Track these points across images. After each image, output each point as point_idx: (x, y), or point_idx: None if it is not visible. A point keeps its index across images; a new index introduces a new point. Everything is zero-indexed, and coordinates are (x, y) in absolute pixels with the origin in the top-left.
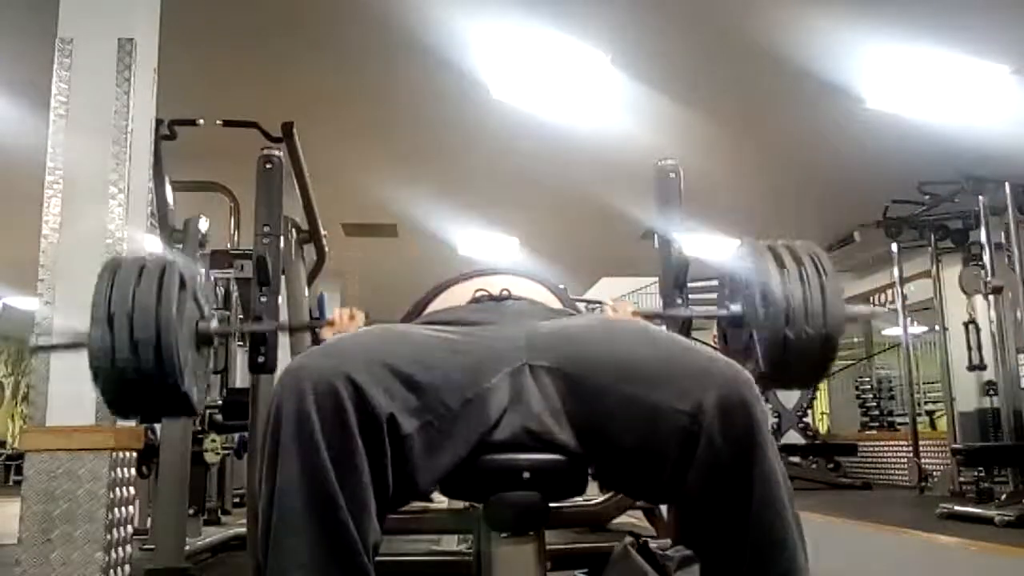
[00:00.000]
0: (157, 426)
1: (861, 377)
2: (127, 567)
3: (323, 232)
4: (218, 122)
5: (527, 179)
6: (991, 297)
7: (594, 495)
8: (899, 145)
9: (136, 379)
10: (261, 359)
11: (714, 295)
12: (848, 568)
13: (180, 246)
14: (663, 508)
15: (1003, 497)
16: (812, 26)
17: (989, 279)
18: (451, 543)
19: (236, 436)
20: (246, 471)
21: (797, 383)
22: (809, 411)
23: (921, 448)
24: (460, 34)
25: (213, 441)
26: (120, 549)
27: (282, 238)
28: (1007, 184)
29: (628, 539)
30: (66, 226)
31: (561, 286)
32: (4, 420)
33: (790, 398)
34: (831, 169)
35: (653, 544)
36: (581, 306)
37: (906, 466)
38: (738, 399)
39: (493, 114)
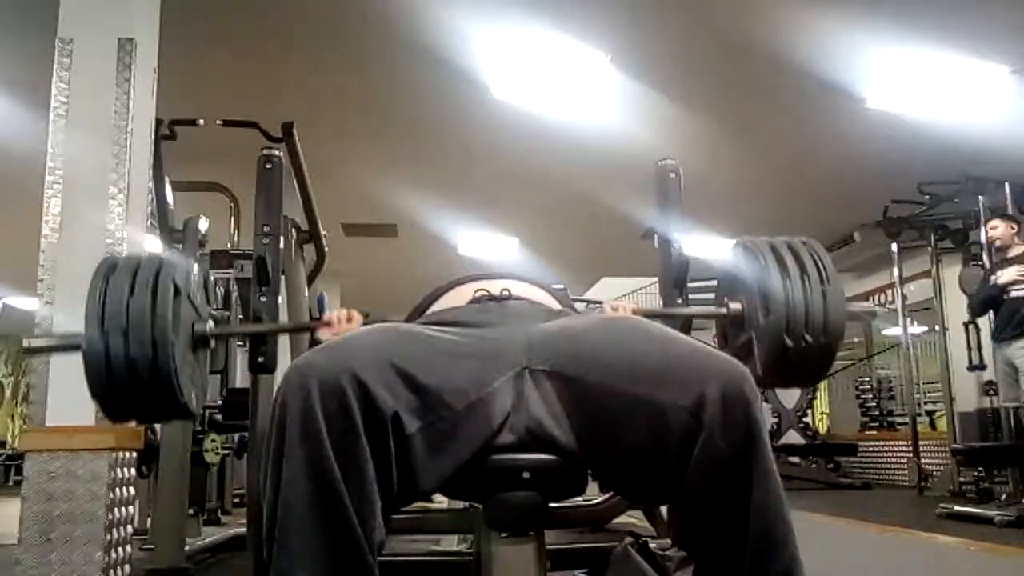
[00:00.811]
0: (157, 426)
1: (861, 377)
2: (127, 567)
3: (323, 232)
4: (218, 122)
5: (527, 179)
6: None
7: (594, 495)
8: (899, 145)
9: (132, 386)
10: (261, 359)
11: (714, 295)
12: (848, 568)
13: (180, 246)
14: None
15: (1003, 497)
16: (812, 26)
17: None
18: (451, 543)
19: (236, 436)
20: (246, 471)
21: (795, 385)
22: (809, 411)
23: (921, 448)
24: (460, 34)
25: (213, 441)
26: (120, 549)
27: (282, 238)
28: (1007, 184)
29: (628, 539)
30: (66, 226)
31: (561, 286)
32: (4, 420)
33: (790, 398)
34: (831, 169)
35: (653, 544)
36: (581, 306)
37: (906, 466)
38: (739, 394)
39: (493, 114)
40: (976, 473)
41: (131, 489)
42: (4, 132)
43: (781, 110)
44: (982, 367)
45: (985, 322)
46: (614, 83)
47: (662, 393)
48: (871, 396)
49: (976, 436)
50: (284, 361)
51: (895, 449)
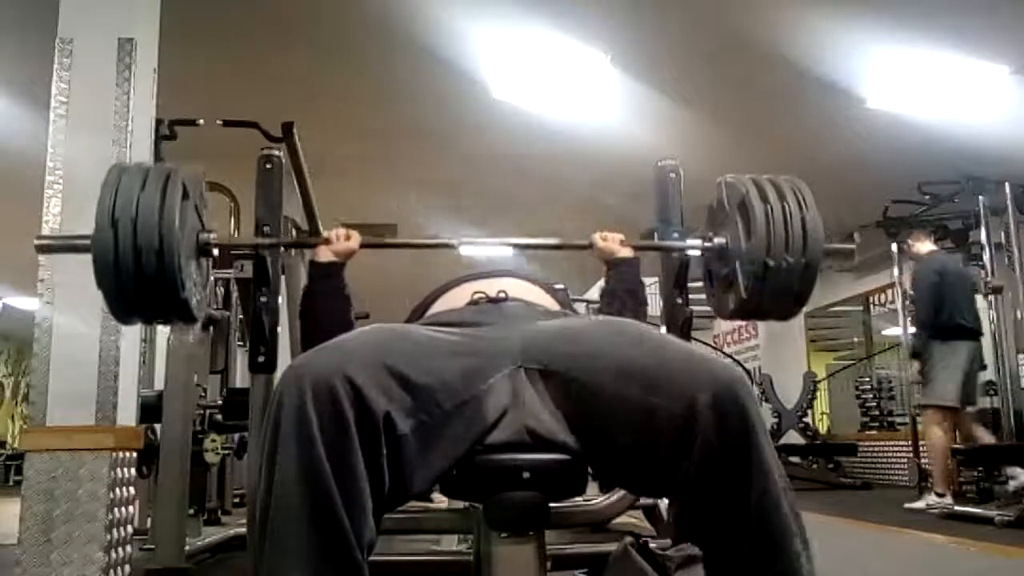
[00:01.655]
0: (157, 426)
1: (861, 377)
2: (127, 567)
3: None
4: (218, 122)
5: (527, 179)
6: (991, 297)
7: (594, 495)
8: (899, 145)
9: (138, 283)
10: (261, 359)
11: None
12: (848, 568)
13: None
14: (663, 508)
15: (1003, 497)
16: (813, 26)
17: (989, 279)
18: (451, 543)
19: (236, 436)
20: (246, 471)
21: (776, 313)
22: (809, 411)
23: (921, 448)
24: (460, 34)
25: (213, 441)
26: (120, 549)
27: None
28: (1007, 184)
29: (628, 539)
30: (66, 226)
31: (560, 286)
32: (4, 420)
33: (790, 398)
34: (831, 169)
35: (653, 544)
36: (581, 306)
37: (906, 466)
38: (732, 398)
39: (493, 114)
40: (976, 473)
41: (131, 489)
42: (4, 132)
43: (781, 110)
44: (982, 367)
45: (985, 322)
46: (614, 83)
47: (655, 397)
48: (871, 396)
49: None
50: (284, 361)
51: (895, 449)
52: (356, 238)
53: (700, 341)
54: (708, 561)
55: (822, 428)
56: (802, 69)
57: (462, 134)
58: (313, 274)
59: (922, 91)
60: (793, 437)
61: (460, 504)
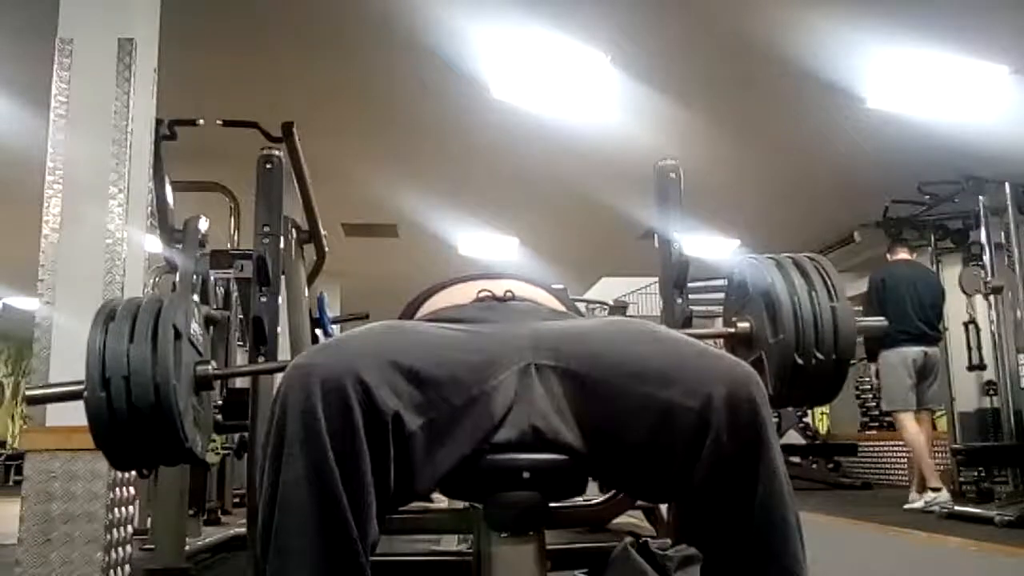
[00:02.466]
0: None
1: (861, 377)
2: (127, 567)
3: (323, 232)
4: (218, 122)
5: (527, 179)
6: (991, 297)
7: (594, 495)
8: (899, 145)
9: (136, 433)
10: (261, 359)
11: (714, 295)
12: (848, 568)
13: (180, 246)
14: (663, 508)
15: (1003, 497)
16: (813, 26)
17: (989, 279)
18: (451, 543)
19: (236, 436)
20: (246, 471)
21: (808, 403)
22: (809, 411)
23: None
24: (460, 34)
25: (213, 441)
26: (120, 549)
27: (282, 238)
28: (1007, 184)
29: (628, 539)
30: (66, 226)
31: (560, 287)
32: (4, 420)
33: None
34: (831, 169)
35: (653, 544)
36: (581, 307)
37: (906, 466)
38: (746, 396)
39: (493, 114)
40: (976, 473)
41: (131, 489)
42: (4, 132)
43: (781, 110)
44: (982, 367)
45: (985, 322)
46: (614, 83)
47: (669, 393)
48: (871, 396)
49: (976, 436)
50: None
51: (895, 449)
52: None
53: (704, 336)
54: (708, 562)
55: (822, 428)
56: (802, 69)
57: (462, 133)
58: None
59: (922, 91)
60: (793, 437)
61: (460, 504)
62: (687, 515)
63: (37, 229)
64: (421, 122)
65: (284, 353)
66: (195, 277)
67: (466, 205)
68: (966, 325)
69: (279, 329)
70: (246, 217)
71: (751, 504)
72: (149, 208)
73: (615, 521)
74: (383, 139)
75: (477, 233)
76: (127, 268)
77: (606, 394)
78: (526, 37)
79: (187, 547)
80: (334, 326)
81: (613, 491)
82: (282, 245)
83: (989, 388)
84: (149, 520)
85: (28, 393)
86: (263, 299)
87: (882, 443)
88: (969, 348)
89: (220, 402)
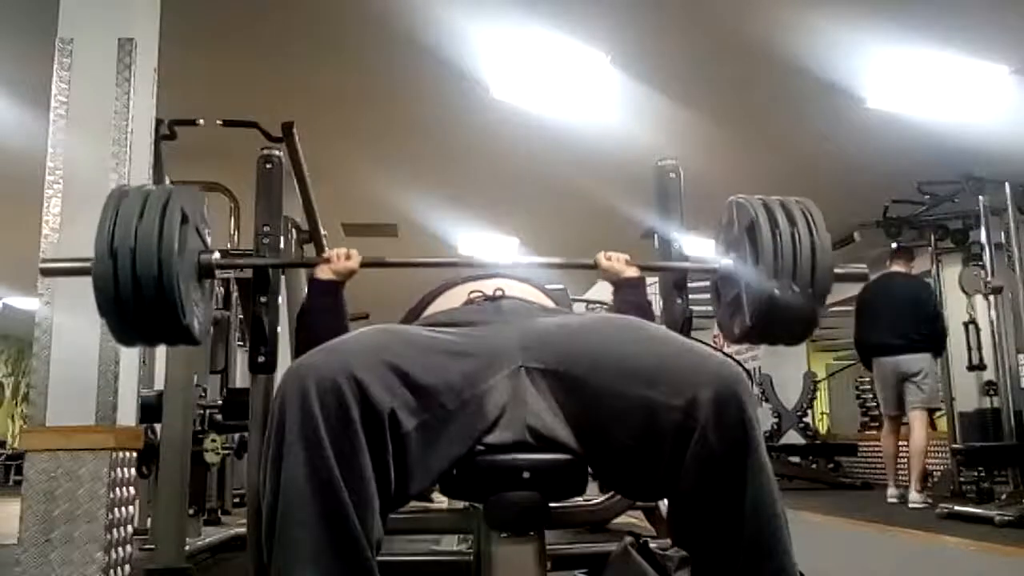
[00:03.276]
0: (157, 426)
1: (861, 377)
2: (127, 567)
3: (323, 232)
4: (218, 122)
5: (527, 179)
6: (991, 297)
7: (594, 495)
8: (899, 145)
9: (139, 310)
10: (261, 359)
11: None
12: (848, 568)
13: None
14: (663, 508)
15: (1003, 497)
16: (812, 26)
17: (989, 279)
18: (451, 543)
19: (236, 436)
20: (246, 471)
21: (783, 339)
22: (809, 411)
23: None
24: (460, 34)
25: (213, 441)
26: (120, 549)
27: (282, 238)
28: (1007, 184)
29: (628, 539)
30: (66, 226)
31: (560, 286)
32: (4, 420)
33: (790, 398)
34: (831, 169)
35: (653, 544)
36: (581, 306)
37: (906, 466)
38: (732, 396)
39: (493, 114)
40: (976, 473)
41: (131, 489)
42: (4, 132)
43: (781, 110)
44: (982, 367)
45: (985, 322)
46: (614, 83)
47: (655, 392)
48: (871, 396)
49: (976, 436)
50: (284, 361)
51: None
52: (356, 258)
53: (700, 341)
54: (699, 562)
55: (822, 428)
56: (802, 69)
57: (462, 134)
58: (313, 291)
59: (922, 91)
60: (793, 437)
61: (460, 504)
62: (678, 515)
63: (37, 229)
64: (421, 122)
65: (284, 353)
66: None
67: (466, 205)
68: (966, 325)
69: (279, 329)
70: (246, 217)
71: (741, 502)
72: None
73: (615, 521)
74: (383, 139)
75: (477, 233)
76: None
77: (594, 393)
78: (526, 37)
79: (187, 547)
80: None
81: (613, 491)
82: (282, 245)
83: (989, 388)
84: (149, 520)
85: (42, 265)
86: (263, 299)
87: (882, 443)
88: (969, 348)
89: (220, 402)
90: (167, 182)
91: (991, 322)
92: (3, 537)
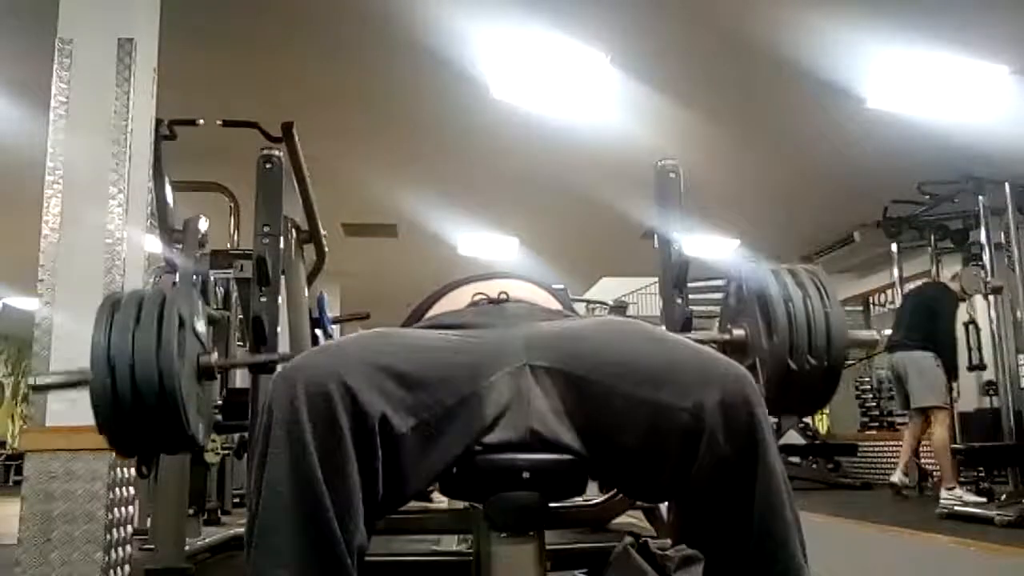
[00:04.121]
0: None
1: (861, 377)
2: (127, 567)
3: (323, 232)
4: (218, 122)
5: (527, 179)
6: (991, 297)
7: (594, 495)
8: (899, 145)
9: (139, 419)
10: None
11: (714, 295)
12: (848, 568)
13: (180, 246)
14: (663, 508)
15: (1003, 497)
16: (813, 26)
17: (989, 279)
18: (451, 543)
19: (236, 436)
20: (246, 471)
21: (799, 411)
22: None
23: (921, 448)
24: (460, 34)
25: (213, 441)
26: (120, 549)
27: (282, 238)
28: (1007, 184)
29: (628, 539)
30: (66, 226)
31: (561, 287)
32: (4, 420)
33: None
34: (831, 169)
35: (653, 544)
36: (581, 306)
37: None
38: (740, 398)
39: (493, 114)
40: (976, 473)
41: (131, 489)
42: (4, 132)
43: (781, 110)
44: (982, 367)
45: (985, 322)
46: (614, 83)
47: (662, 394)
48: (871, 396)
49: (976, 436)
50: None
51: (895, 449)
52: None
53: (700, 341)
54: (710, 564)
55: (822, 428)
56: (802, 69)
57: (462, 134)
58: None
59: (922, 91)
60: (793, 437)
61: (460, 504)
62: (687, 517)
63: (37, 229)
64: (421, 122)
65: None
66: (195, 277)
67: (466, 205)
68: (966, 325)
69: (279, 329)
70: (246, 217)
71: (750, 505)
72: (149, 208)
73: (615, 521)
74: (383, 139)
75: (477, 233)
76: (127, 268)
77: (600, 395)
78: (526, 37)
79: (187, 547)
80: (334, 326)
81: (613, 491)
82: (282, 245)
83: (989, 388)
84: (149, 520)
85: (34, 382)
86: (263, 299)
87: (882, 443)
88: (969, 348)
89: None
90: (167, 182)
91: (991, 322)
92: (3, 537)
